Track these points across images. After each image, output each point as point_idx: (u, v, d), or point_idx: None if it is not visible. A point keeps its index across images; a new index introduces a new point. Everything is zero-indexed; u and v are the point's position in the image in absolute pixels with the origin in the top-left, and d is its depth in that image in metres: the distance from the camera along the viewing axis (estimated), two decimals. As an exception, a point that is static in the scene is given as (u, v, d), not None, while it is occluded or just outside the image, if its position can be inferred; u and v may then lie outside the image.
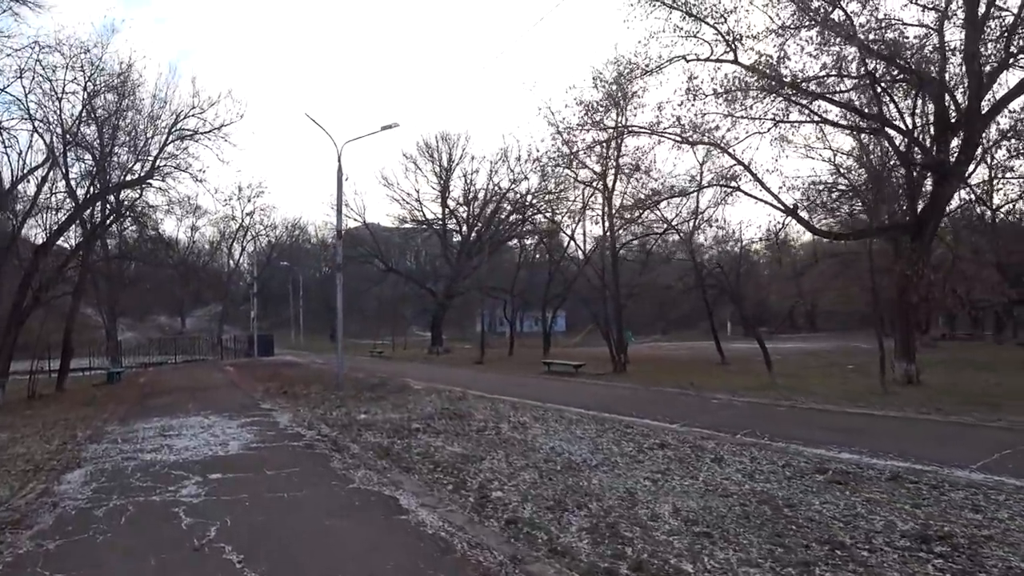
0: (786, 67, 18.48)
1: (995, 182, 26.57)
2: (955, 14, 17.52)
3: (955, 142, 18.59)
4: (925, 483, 7.66)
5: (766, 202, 20.30)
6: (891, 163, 20.46)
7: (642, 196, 23.07)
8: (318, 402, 16.66)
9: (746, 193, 20.63)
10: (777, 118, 19.52)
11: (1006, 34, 16.56)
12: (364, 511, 6.99)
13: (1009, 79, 17.88)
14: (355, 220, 44.62)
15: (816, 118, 19.78)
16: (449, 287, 42.74)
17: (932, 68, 17.85)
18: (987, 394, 16.30)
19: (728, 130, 19.77)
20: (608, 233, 29.75)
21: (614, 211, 28.24)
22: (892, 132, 19.25)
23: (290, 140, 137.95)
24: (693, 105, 19.16)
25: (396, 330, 54.71)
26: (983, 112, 17.68)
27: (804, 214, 21.90)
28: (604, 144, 25.14)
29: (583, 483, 8.12)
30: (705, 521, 6.43)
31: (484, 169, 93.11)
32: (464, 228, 43.86)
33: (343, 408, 15.48)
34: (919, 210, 19.45)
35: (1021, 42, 16.71)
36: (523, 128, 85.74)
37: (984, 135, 18.67)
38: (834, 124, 20.03)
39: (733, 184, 20.73)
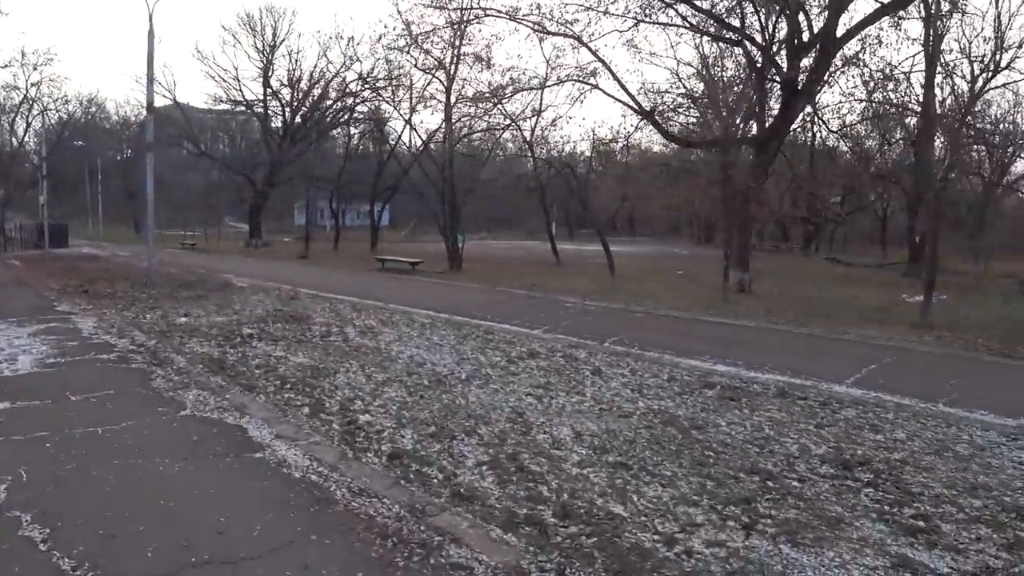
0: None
1: (840, 106, 27.60)
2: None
3: (806, 61, 18.80)
4: (814, 399, 7.50)
5: (624, 103, 19.77)
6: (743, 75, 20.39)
7: (493, 88, 21.54)
8: (127, 303, 14.37)
9: (605, 92, 19.96)
10: (639, 17, 18.74)
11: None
12: (206, 448, 5.59)
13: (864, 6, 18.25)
14: (164, 97, 39.58)
15: (679, 21, 19.21)
16: (270, 175, 39.22)
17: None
18: (818, 304, 17.06)
19: (588, 24, 18.78)
20: (447, 125, 28.21)
21: (456, 102, 26.64)
22: (749, 45, 19.12)
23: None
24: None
25: (209, 221, 50.33)
26: (839, 35, 17.86)
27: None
28: (453, 26, 23.22)
29: (460, 401, 7.21)
30: (615, 448, 5.72)
31: (313, 49, 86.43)
32: (288, 112, 40.00)
33: (158, 310, 13.40)
34: (766, 125, 19.66)
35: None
36: (362, 4, 79.68)
37: (836, 58, 18.90)
38: (696, 30, 19.59)
39: (592, 81, 19.89)
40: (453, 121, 29.26)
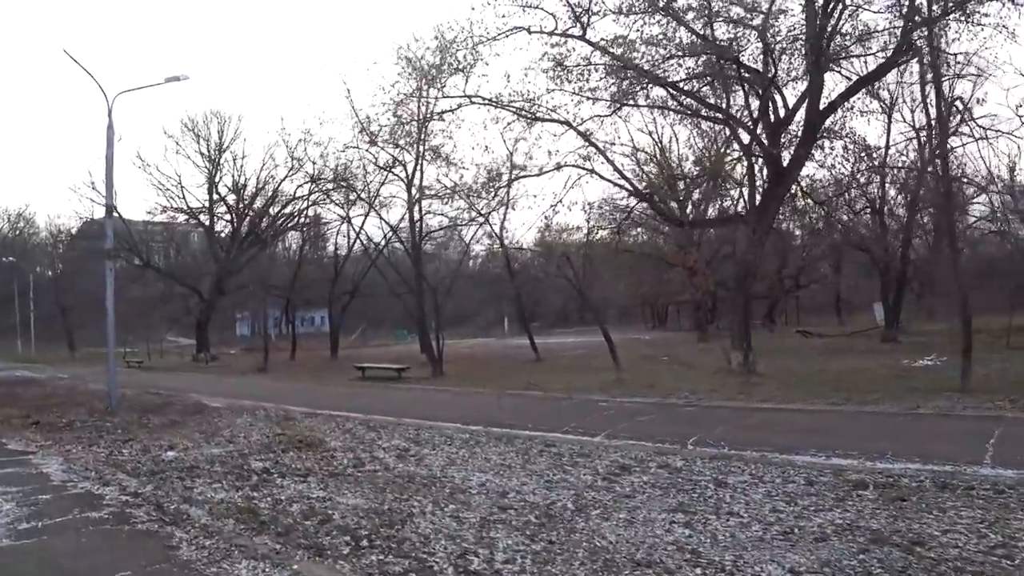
0: (637, 51, 16.96)
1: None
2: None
3: (786, 139, 18.32)
4: (981, 488, 6.54)
5: (620, 186, 18.76)
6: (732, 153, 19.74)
7: (490, 174, 20.01)
8: (91, 435, 11.94)
9: (601, 176, 18.91)
10: (626, 102, 17.97)
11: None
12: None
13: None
14: (101, 206, 37.07)
15: (667, 104, 18.52)
16: (218, 285, 36.64)
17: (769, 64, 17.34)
18: (839, 379, 15.99)
19: (574, 108, 17.90)
20: (411, 223, 26.91)
21: (422, 199, 25.39)
22: (733, 124, 18.56)
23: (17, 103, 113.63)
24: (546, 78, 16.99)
25: (151, 336, 46.85)
26: (821, 109, 17.42)
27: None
28: (420, 122, 22.11)
29: (600, 542, 5.57)
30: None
31: (260, 153, 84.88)
32: (235, 218, 37.79)
33: (133, 443, 11.06)
34: (758, 202, 18.90)
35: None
36: (317, 105, 78.66)
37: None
38: (679, 111, 18.91)
39: (587, 166, 18.85)
40: (417, 218, 27.97)
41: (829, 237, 32.04)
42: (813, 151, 18.34)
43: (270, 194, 36.24)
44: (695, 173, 23.29)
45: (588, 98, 17.76)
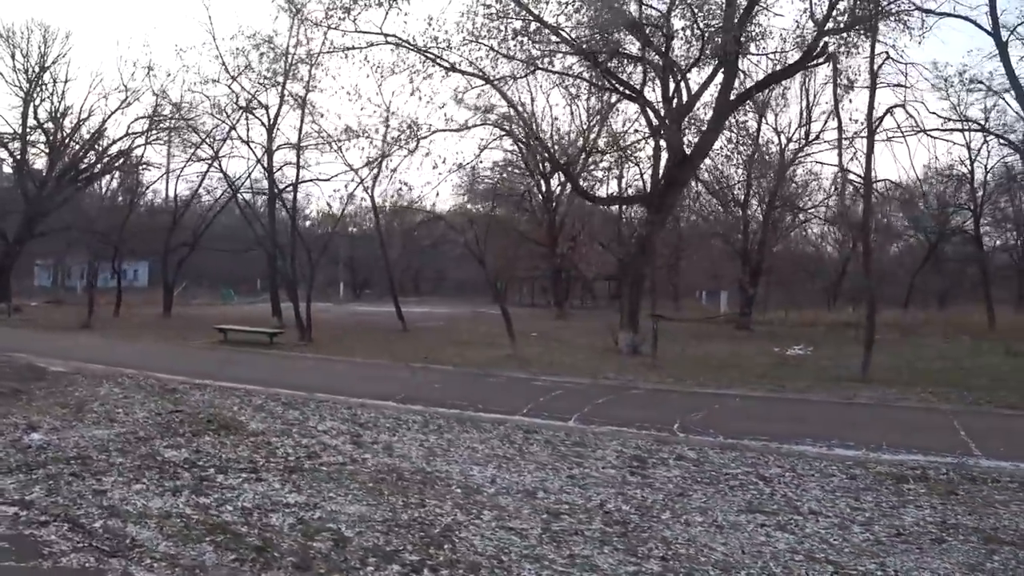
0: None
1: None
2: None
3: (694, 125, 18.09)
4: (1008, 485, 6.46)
5: (538, 153, 17.44)
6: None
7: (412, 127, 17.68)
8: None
9: (516, 139, 17.44)
10: (538, 65, 16.72)
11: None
12: None
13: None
14: None
15: (580, 75, 17.48)
16: (28, 226, 30.96)
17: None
18: (728, 366, 16.00)
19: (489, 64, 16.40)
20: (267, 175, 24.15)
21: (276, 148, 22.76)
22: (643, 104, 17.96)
23: None
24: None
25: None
26: (732, 100, 17.21)
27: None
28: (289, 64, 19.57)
29: (713, 555, 4.65)
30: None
31: (88, 79, 74.02)
32: (52, 152, 31.93)
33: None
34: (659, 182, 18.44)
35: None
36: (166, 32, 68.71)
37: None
38: (594, 84, 17.95)
39: (506, 127, 17.29)
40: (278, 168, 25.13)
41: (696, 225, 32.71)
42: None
43: (96, 128, 31.11)
44: (602, 147, 22.45)
45: (505, 55, 16.30)
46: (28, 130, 31.25)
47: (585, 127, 25.98)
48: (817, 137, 27.92)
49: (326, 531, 4.89)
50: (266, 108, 25.02)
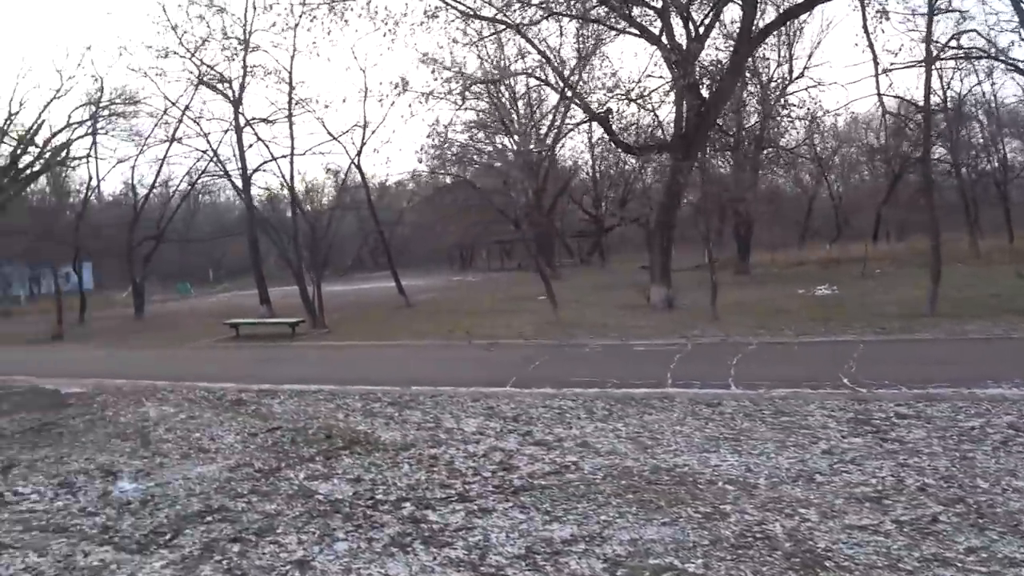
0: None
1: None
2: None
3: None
4: None
5: (576, 103, 15.73)
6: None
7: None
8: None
9: (556, 90, 15.74)
10: (553, 9, 14.96)
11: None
12: None
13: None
14: None
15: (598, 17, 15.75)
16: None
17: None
18: (776, 311, 15.09)
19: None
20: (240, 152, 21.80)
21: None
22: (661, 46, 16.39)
23: None
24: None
25: None
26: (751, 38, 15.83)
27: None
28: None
29: None
30: None
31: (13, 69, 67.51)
32: None
33: (16, 468, 6.47)
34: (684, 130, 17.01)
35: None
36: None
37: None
38: (610, 27, 16.26)
39: (540, 76, 15.50)
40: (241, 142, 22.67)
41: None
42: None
43: (34, 121, 27.71)
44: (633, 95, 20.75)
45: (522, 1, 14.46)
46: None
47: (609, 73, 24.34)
48: (801, 75, 26.57)
49: (665, 570, 3.39)
50: (229, 82, 22.44)
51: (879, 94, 15.96)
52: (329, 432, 6.91)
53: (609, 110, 16.79)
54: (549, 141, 32.01)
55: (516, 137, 31.42)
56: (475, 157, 32.17)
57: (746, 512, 4.37)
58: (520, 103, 33.45)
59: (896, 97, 18.51)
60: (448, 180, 32.59)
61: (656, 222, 18.17)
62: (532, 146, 27.89)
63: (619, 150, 35.07)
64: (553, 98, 31.74)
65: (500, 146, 33.00)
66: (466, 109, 26.63)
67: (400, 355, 13.11)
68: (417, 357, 12.58)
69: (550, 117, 30.59)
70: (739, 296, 18.79)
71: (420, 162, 30.39)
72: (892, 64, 17.19)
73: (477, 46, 19.75)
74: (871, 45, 14.88)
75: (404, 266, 57.01)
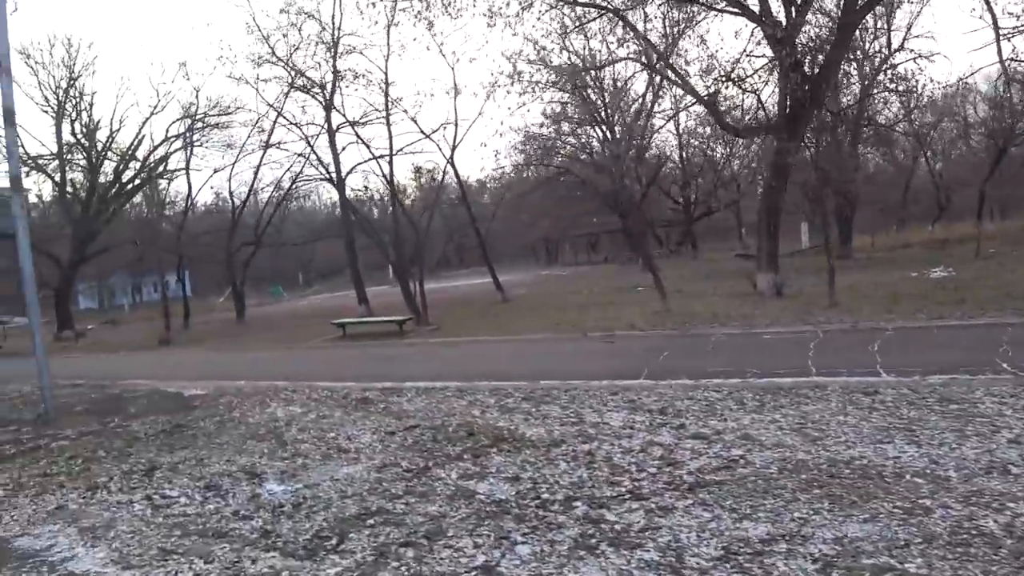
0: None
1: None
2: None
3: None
4: None
5: (680, 86, 15.16)
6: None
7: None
8: (60, 465, 6.99)
9: (666, 78, 15.22)
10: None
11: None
12: None
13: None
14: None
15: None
16: (80, 248, 28.92)
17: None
18: (902, 295, 14.08)
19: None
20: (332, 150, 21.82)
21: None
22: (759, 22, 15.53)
23: None
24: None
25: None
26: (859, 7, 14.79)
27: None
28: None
29: None
30: None
31: (112, 88, 71.34)
32: (90, 169, 29.53)
33: (159, 471, 6.40)
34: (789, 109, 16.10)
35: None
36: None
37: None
38: (708, 7, 15.57)
39: (644, 60, 14.99)
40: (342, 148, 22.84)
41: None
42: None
43: (134, 137, 28.88)
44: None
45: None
46: (64, 149, 28.98)
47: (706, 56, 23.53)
48: (901, 47, 24.82)
49: (884, 570, 3.21)
50: (322, 87, 22.70)
51: (1001, 61, 14.78)
52: (471, 429, 6.60)
53: (717, 92, 16.02)
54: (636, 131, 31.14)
55: (605, 128, 30.75)
56: (571, 150, 31.77)
57: (949, 507, 3.96)
58: (605, 94, 32.75)
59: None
60: (544, 172, 32.17)
61: (763, 206, 17.34)
62: (628, 135, 27.13)
63: (712, 136, 34.18)
64: (639, 87, 31.08)
65: (601, 137, 32.44)
66: (552, 102, 26.28)
67: (517, 350, 12.77)
68: (535, 351, 12.21)
69: (636, 106, 29.67)
70: (850, 281, 17.78)
71: (509, 156, 29.94)
72: (1016, 28, 15.80)
73: (564, 40, 19.26)
74: (990, 8, 13.76)
75: (481, 263, 57.46)
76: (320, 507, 5.03)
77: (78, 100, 28.89)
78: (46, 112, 28.28)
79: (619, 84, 27.66)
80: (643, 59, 15.28)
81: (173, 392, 11.22)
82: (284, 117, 23.93)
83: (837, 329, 11.07)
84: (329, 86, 22.50)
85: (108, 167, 29.68)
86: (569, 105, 29.64)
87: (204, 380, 12.24)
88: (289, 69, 22.16)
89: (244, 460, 6.51)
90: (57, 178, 29.25)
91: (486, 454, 5.87)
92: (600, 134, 31.59)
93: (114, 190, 29.11)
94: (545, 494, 4.83)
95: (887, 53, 25.48)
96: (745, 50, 16.82)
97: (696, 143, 37.46)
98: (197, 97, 26.42)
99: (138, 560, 4.39)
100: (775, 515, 4.10)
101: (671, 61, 15.60)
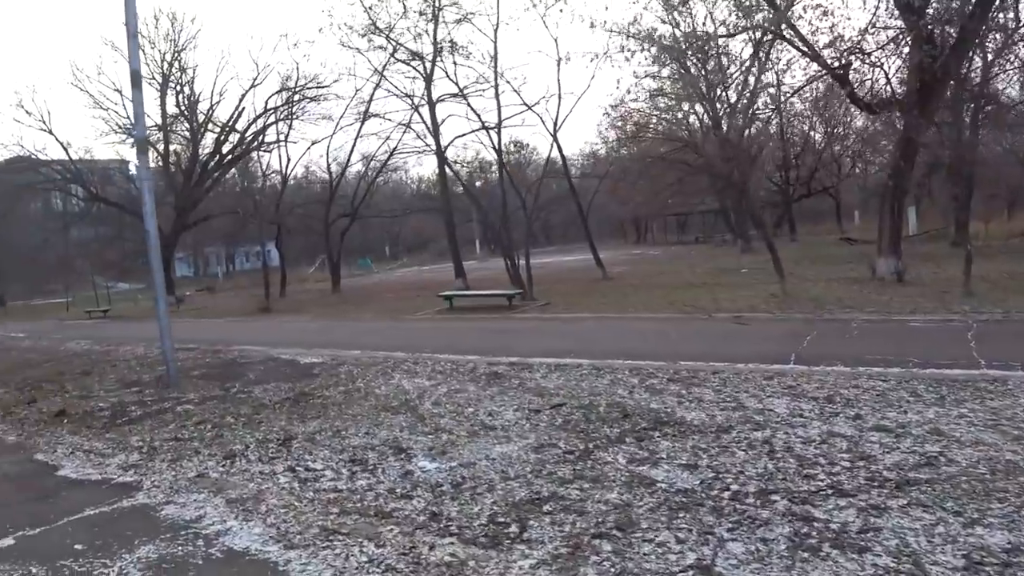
0: None
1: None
2: None
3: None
4: None
5: (810, 57, 14.29)
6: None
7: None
8: (196, 430, 6.98)
9: (793, 46, 14.41)
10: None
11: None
12: None
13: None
14: (41, 131, 29.74)
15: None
16: (182, 217, 29.91)
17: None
18: None
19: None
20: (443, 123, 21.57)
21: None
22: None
23: None
24: None
25: (72, 284, 39.41)
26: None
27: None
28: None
29: None
30: None
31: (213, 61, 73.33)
32: (191, 140, 30.47)
33: (295, 441, 6.27)
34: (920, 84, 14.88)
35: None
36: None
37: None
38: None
39: (773, 29, 14.17)
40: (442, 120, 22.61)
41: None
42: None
43: (235, 108, 29.48)
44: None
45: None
46: (168, 121, 29.88)
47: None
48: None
49: None
50: (422, 58, 22.47)
51: None
52: (624, 411, 6.21)
53: (848, 64, 14.94)
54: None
55: (707, 104, 29.54)
56: (668, 127, 30.72)
57: None
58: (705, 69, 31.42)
59: None
60: (648, 149, 31.27)
61: (888, 186, 16.23)
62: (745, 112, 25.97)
63: (828, 112, 32.44)
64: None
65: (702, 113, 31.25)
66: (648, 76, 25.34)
67: (639, 328, 12.25)
68: (660, 330, 11.65)
69: (738, 82, 28.38)
70: (975, 269, 16.59)
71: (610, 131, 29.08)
72: None
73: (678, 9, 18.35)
74: None
75: (576, 240, 56.91)
76: (483, 488, 4.75)
77: (181, 73, 29.68)
78: (151, 85, 29.13)
79: (724, 59, 26.44)
80: (773, 27, 14.31)
81: (287, 359, 11.26)
82: (390, 82, 23.76)
83: (989, 319, 10.16)
84: (429, 57, 22.25)
85: (208, 139, 30.43)
86: (668, 81, 28.51)
87: (317, 348, 12.24)
88: (393, 41, 21.95)
89: (384, 434, 6.32)
90: (161, 148, 30.14)
91: (649, 438, 5.48)
92: (703, 111, 30.36)
93: (214, 161, 29.86)
94: (734, 485, 4.42)
95: (1014, 26, 23.42)
96: (872, 20, 15.52)
97: (797, 123, 35.91)
98: (297, 71, 26.62)
99: (300, 539, 4.18)
100: (1009, 521, 3.65)
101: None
